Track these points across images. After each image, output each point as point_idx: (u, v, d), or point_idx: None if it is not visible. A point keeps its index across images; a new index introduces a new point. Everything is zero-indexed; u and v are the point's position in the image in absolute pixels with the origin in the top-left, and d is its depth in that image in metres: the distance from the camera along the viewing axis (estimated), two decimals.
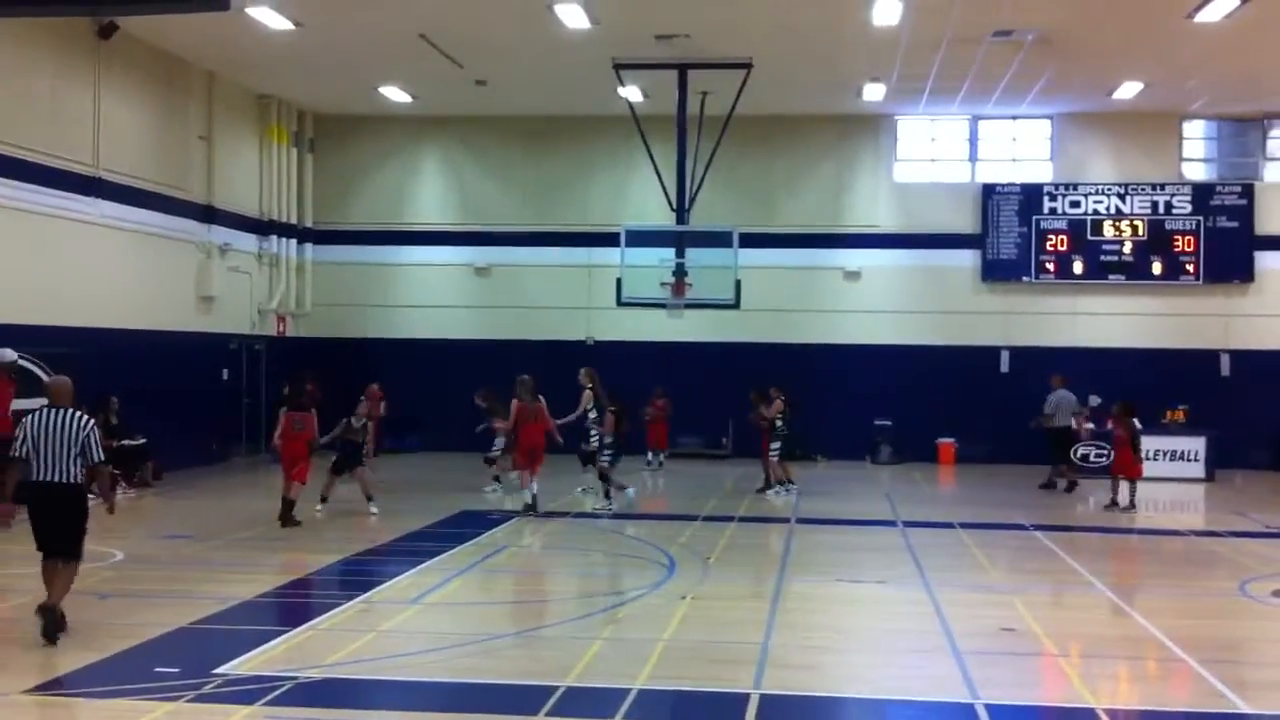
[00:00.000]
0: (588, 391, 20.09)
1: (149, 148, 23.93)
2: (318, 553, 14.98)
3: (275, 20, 21.44)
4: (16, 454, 10.41)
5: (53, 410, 10.49)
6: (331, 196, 30.45)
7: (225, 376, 26.74)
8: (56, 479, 10.38)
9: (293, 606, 12.06)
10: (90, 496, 10.80)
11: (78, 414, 10.55)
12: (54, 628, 10.25)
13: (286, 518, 17.25)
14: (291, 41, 22.82)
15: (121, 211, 22.82)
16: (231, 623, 11.33)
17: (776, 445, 21.89)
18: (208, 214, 25.93)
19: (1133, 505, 20.77)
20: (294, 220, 29.31)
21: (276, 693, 8.91)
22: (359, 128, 30.27)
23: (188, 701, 8.71)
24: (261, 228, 28.15)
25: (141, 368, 22.32)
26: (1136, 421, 21.29)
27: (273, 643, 10.38)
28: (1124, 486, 21.02)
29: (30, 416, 10.53)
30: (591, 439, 20.38)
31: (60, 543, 10.54)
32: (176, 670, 9.48)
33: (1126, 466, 21.09)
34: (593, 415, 20.10)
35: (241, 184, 27.39)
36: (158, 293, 24.08)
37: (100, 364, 20.05)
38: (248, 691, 8.92)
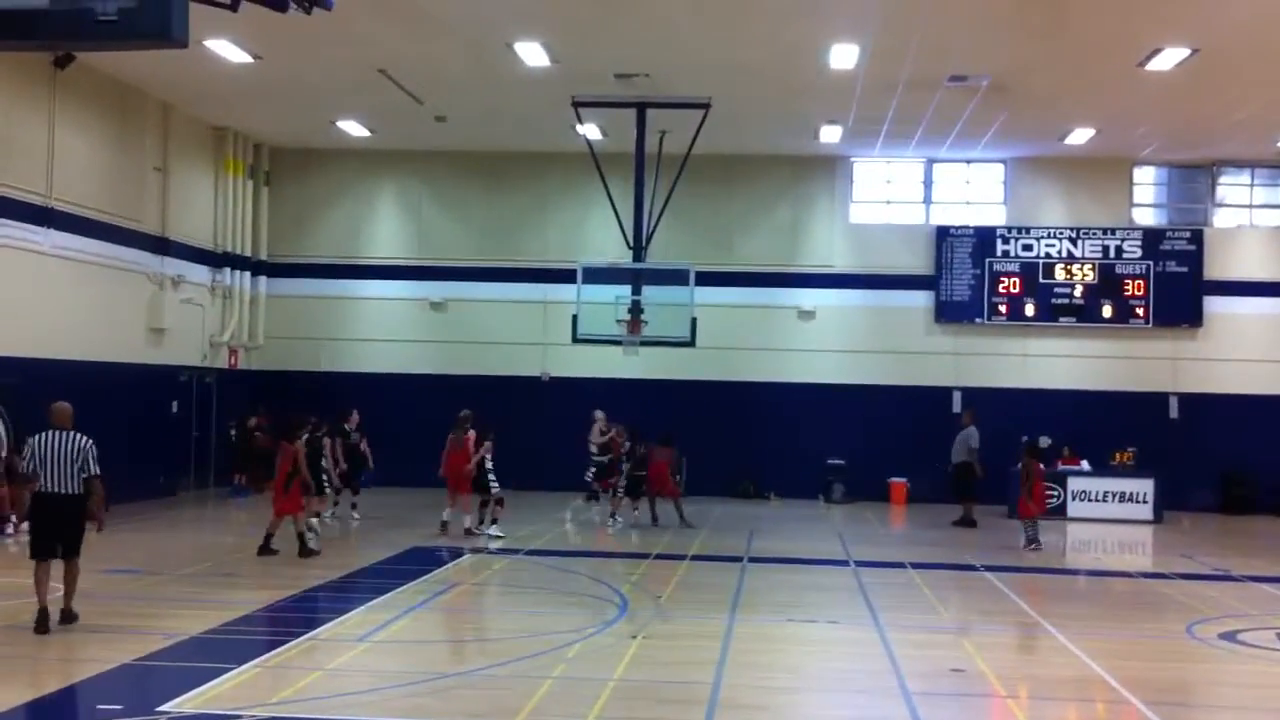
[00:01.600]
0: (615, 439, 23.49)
1: (103, 178, 23.77)
2: (266, 589, 14.82)
3: (233, 53, 21.41)
4: (25, 469, 12.29)
5: (57, 432, 12.30)
6: (287, 229, 30.32)
7: (175, 409, 26.48)
8: (61, 490, 12.19)
9: (239, 643, 11.91)
10: None
11: (77, 434, 12.31)
12: (64, 620, 12.16)
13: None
14: (249, 74, 22.78)
15: (73, 242, 22.65)
16: (177, 659, 11.17)
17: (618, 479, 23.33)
18: (161, 245, 25.77)
19: (1035, 542, 20.67)
20: (248, 252, 29.16)
21: None
22: (316, 161, 30.20)
23: None
24: (215, 260, 27.99)
25: (90, 399, 21.93)
26: (1041, 465, 21.56)
27: (218, 680, 10.24)
28: (1023, 525, 21.03)
29: (37, 437, 12.30)
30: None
31: (66, 544, 12.34)
32: (119, 708, 9.36)
33: (1023, 505, 21.02)
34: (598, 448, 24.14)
35: (196, 216, 27.24)
36: (108, 324, 23.86)
37: (48, 395, 19.75)
38: None
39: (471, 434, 20.63)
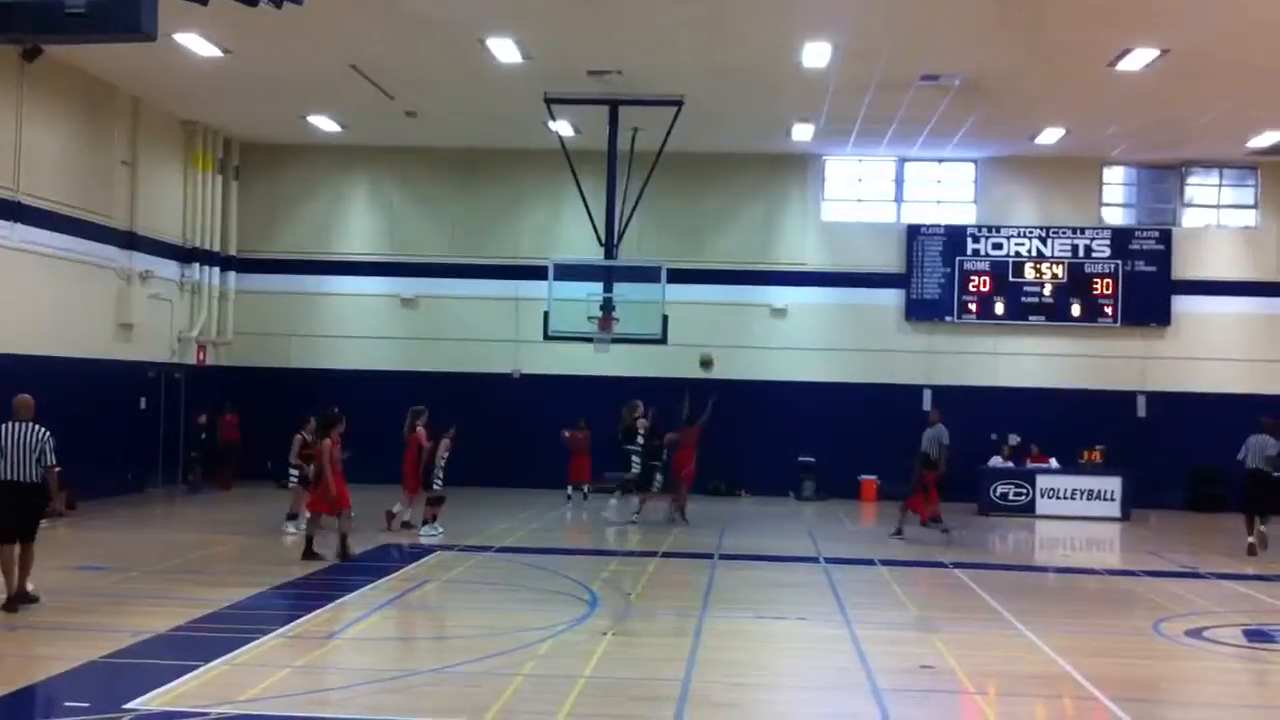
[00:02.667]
0: (644, 421, 23.27)
1: (71, 173, 23.60)
2: (235, 586, 14.73)
3: (203, 47, 21.29)
4: None
5: (18, 423, 12.96)
6: (257, 225, 30.16)
7: (143, 405, 26.31)
8: (22, 479, 12.86)
9: (208, 641, 11.83)
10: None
11: (37, 426, 12.98)
12: (21, 601, 12.72)
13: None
14: (219, 68, 22.66)
15: (41, 236, 22.46)
16: (144, 657, 11.10)
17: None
18: (130, 240, 25.60)
19: (900, 533, 21.80)
20: (217, 248, 28.99)
21: None
22: (286, 156, 30.06)
23: None
24: (184, 255, 27.83)
25: (57, 395, 21.85)
26: (932, 475, 22.13)
27: (186, 678, 10.17)
28: (910, 515, 22.00)
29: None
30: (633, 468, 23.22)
31: (23, 527, 12.92)
32: (86, 705, 9.29)
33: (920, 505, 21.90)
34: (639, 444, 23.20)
35: (165, 210, 27.06)
36: (76, 319, 23.69)
37: (16, 390, 19.61)
38: None
39: (420, 430, 20.42)
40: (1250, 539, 20.36)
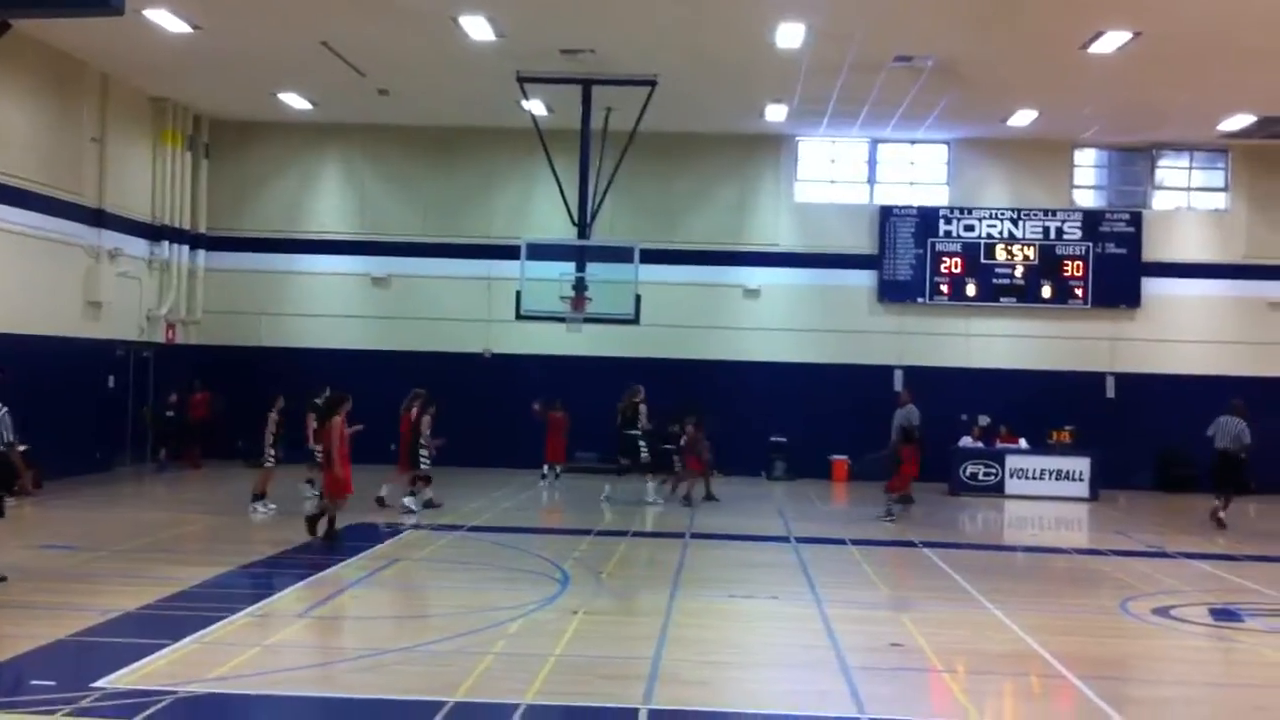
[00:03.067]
0: (644, 407, 23.11)
1: (39, 149, 23.38)
2: (204, 565, 14.67)
3: (172, 23, 21.09)
4: None
5: None
6: (227, 202, 29.96)
7: (111, 384, 26.14)
8: None
9: (177, 619, 11.77)
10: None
11: None
12: None
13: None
14: (188, 45, 22.45)
15: (8, 214, 22.26)
16: (112, 635, 11.05)
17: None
18: (98, 218, 25.40)
19: (890, 515, 21.81)
20: (187, 226, 28.79)
21: (156, 707, 8.71)
22: (257, 133, 29.85)
23: (64, 716, 8.48)
24: (153, 233, 27.62)
25: (25, 373, 21.70)
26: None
27: (154, 656, 10.14)
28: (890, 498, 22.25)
29: None
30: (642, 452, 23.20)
31: None
32: (53, 683, 9.25)
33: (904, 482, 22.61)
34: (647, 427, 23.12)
35: (134, 188, 26.85)
36: (44, 297, 23.50)
37: None
38: (127, 706, 8.72)
39: (413, 411, 20.83)
40: (1220, 512, 21.58)
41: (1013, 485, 26.69)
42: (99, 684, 9.23)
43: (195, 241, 29.24)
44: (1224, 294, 29.35)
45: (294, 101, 27.24)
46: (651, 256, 25.23)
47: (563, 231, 25.73)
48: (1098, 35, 20.51)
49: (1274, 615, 13.75)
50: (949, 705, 9.89)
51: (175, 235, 28.26)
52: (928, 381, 27.60)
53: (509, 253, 25.58)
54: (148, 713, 8.59)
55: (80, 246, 24.82)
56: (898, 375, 28.90)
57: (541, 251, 24.26)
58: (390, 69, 24.28)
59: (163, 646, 10.46)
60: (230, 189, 29.98)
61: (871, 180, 30.10)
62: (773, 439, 28.86)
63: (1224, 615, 13.79)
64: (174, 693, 9.09)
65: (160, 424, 27.38)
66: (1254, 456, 27.70)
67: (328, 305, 29.93)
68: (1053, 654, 11.31)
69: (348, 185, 30.25)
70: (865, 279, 29.64)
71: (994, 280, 29.32)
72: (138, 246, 27.00)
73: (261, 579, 14.18)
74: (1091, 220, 29.32)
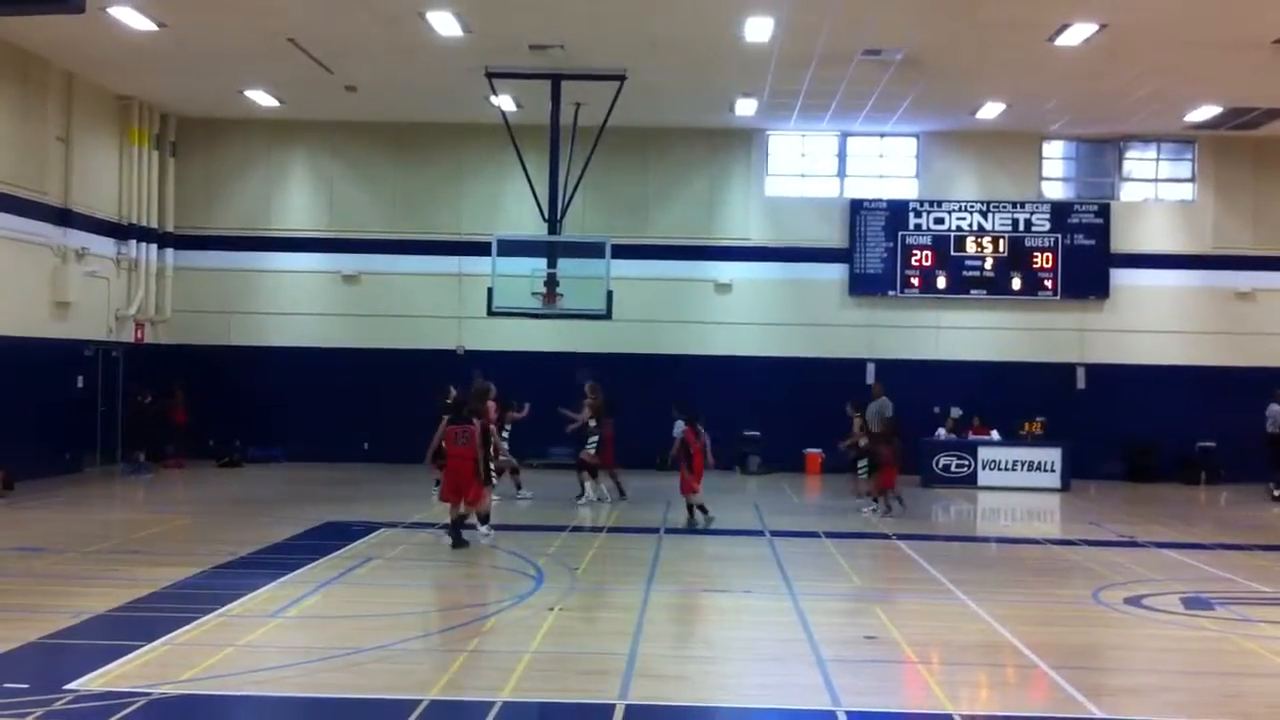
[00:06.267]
0: (589, 404, 22.15)
1: (4, 149, 23.20)
2: (176, 566, 14.57)
3: (137, 20, 20.94)
4: None
5: None
6: (194, 201, 29.76)
7: (80, 384, 25.94)
8: None
9: (148, 621, 11.69)
10: None
11: None
12: None
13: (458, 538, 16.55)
14: (154, 42, 22.29)
15: None
16: (84, 637, 10.99)
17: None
18: (64, 217, 25.20)
19: (889, 509, 21.45)
20: (154, 224, 28.59)
21: (129, 709, 8.66)
22: (224, 131, 29.67)
23: (37, 719, 8.41)
24: (120, 232, 27.42)
25: None
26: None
27: (126, 658, 10.08)
28: (890, 493, 21.56)
29: None
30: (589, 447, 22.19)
31: None
32: (25, 686, 9.18)
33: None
34: (592, 424, 22.09)
35: (100, 187, 26.65)
36: (10, 297, 23.30)
37: None
38: (100, 708, 8.66)
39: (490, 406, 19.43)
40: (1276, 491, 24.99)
41: (985, 477, 26.82)
42: (71, 686, 9.17)
43: (163, 240, 29.04)
44: (1192, 284, 29.54)
45: (261, 98, 27.09)
46: (622, 251, 25.20)
47: (533, 227, 25.69)
48: (1065, 27, 20.61)
49: (1245, 603, 13.85)
50: (924, 696, 9.91)
51: (143, 234, 28.06)
52: (899, 374, 27.71)
53: (480, 249, 25.52)
54: (121, 715, 8.53)
55: (47, 246, 24.63)
56: (869, 368, 29.00)
57: (512, 247, 24.22)
58: (358, 65, 24.16)
59: (135, 648, 10.40)
60: (198, 187, 29.79)
61: (841, 174, 30.15)
62: (745, 433, 28.89)
63: (1196, 604, 13.88)
64: (147, 694, 9.04)
65: (143, 424, 27.17)
66: (1224, 445, 28.16)
67: (298, 303, 29.78)
68: (1026, 644, 11.37)
69: (316, 182, 30.10)
70: (836, 272, 29.71)
71: (964, 272, 29.42)
72: (105, 246, 26.80)
73: (234, 579, 14.07)
74: (1060, 212, 29.47)
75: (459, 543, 16.42)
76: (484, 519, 17.21)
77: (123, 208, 27.50)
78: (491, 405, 18.95)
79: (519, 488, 22.43)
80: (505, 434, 21.66)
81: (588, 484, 22.34)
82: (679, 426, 21.26)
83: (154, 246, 28.60)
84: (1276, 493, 25.10)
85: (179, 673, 9.71)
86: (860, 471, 22.70)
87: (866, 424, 22.87)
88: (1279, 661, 11.01)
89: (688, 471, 19.79)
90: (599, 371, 25.29)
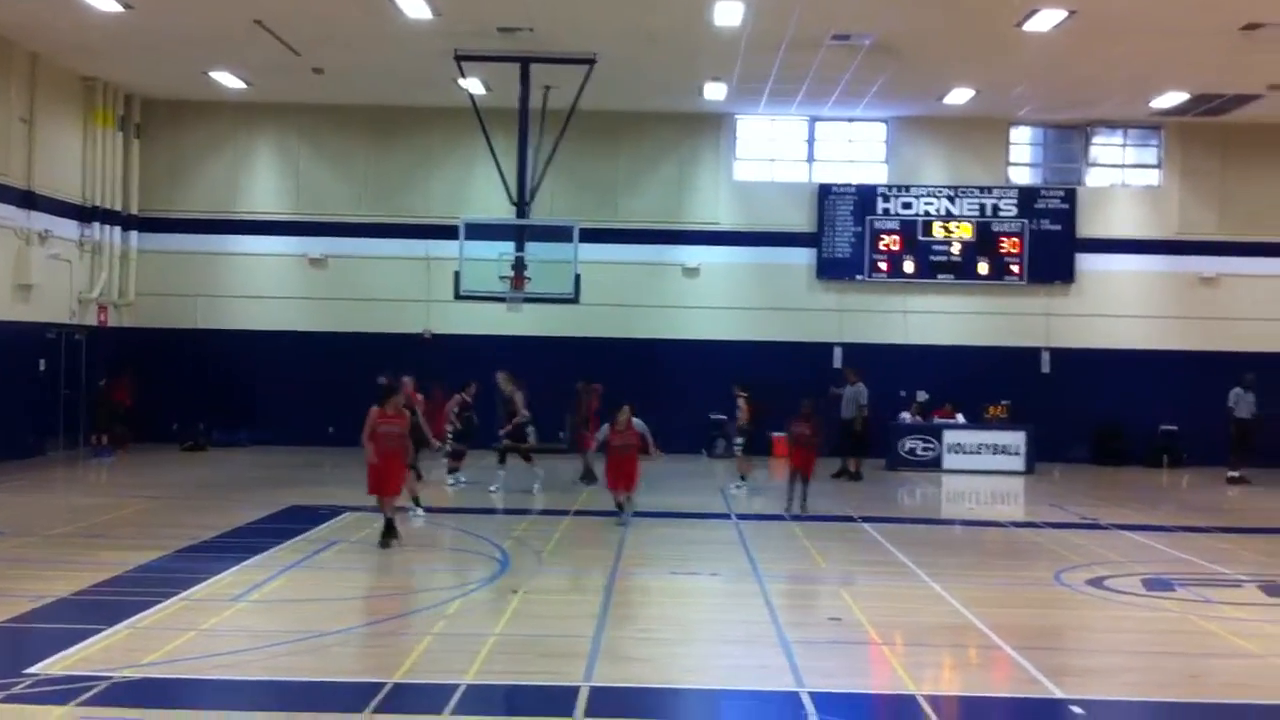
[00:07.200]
0: (519, 394, 21.42)
1: None
2: (139, 550, 14.48)
3: (102, 1, 20.72)
4: None
5: None
6: (159, 183, 29.52)
7: (42, 367, 25.73)
8: None
9: (111, 604, 11.62)
10: None
11: None
12: None
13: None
14: (119, 23, 22.06)
15: None
16: (46, 621, 10.92)
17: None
18: (27, 199, 24.95)
19: (802, 505, 19.33)
20: (119, 207, 28.34)
21: (91, 693, 8.61)
22: (189, 113, 29.42)
23: None
24: (84, 214, 27.18)
25: None
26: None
27: (88, 641, 10.03)
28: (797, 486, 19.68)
29: None
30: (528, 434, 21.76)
31: None
32: None
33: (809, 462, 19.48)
34: (525, 414, 21.41)
35: (64, 169, 26.40)
36: None
37: None
38: (61, 692, 8.61)
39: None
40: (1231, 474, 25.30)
41: (950, 460, 26.97)
42: (33, 670, 9.12)
43: (127, 223, 28.80)
44: (1157, 269, 29.73)
45: (227, 80, 26.87)
46: (591, 235, 25.15)
47: (501, 211, 25.60)
48: (1033, 13, 20.64)
49: (1206, 585, 13.97)
50: (888, 678, 9.97)
51: (107, 216, 27.82)
52: (867, 358, 27.78)
53: (448, 232, 25.41)
54: (83, 698, 8.49)
55: (9, 228, 24.38)
56: (837, 352, 29.07)
57: (480, 231, 24.14)
58: (325, 47, 23.98)
59: (98, 632, 10.34)
60: (163, 169, 29.55)
61: (810, 158, 30.17)
62: (713, 417, 28.90)
63: (1157, 585, 14.00)
64: (109, 678, 8.99)
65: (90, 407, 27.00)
66: (1187, 429, 28.53)
67: (264, 286, 29.60)
68: (989, 625, 11.44)
69: (283, 165, 29.90)
70: (804, 257, 29.76)
71: (931, 257, 29.52)
72: (68, 228, 26.56)
73: (197, 563, 13.98)
74: (1027, 197, 29.59)
75: (391, 538, 15.31)
76: (416, 500, 17.48)
77: (86, 190, 27.25)
78: (417, 397, 19.94)
79: (451, 471, 21.95)
80: (452, 422, 21.42)
81: (521, 465, 21.65)
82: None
83: (118, 229, 28.37)
84: (1231, 474, 25.32)
85: (141, 656, 9.66)
86: (736, 450, 23.02)
87: (752, 404, 22.81)
88: (1239, 642, 11.11)
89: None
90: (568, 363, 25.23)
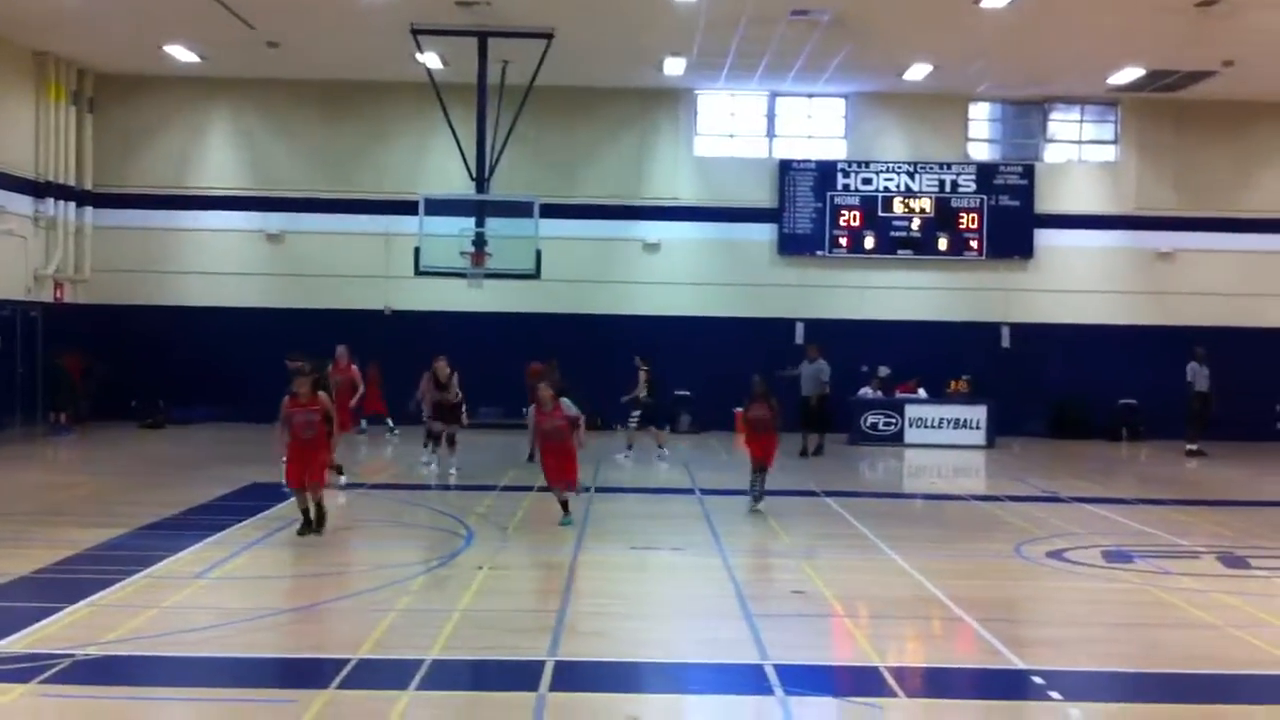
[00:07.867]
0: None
1: None
2: (99, 527, 14.34)
3: None
4: None
5: None
6: (113, 158, 29.17)
7: None
8: None
9: (72, 582, 11.51)
10: None
11: None
12: None
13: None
14: None
15: None
16: (7, 600, 10.82)
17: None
18: None
19: (759, 494, 17.08)
20: (73, 182, 27.99)
21: (53, 670, 8.55)
22: (143, 87, 29.06)
23: None
24: (38, 190, 26.83)
25: None
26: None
27: (50, 619, 9.95)
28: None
29: None
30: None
31: None
32: None
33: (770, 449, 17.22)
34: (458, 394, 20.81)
35: (16, 144, 26.04)
36: None
37: None
38: (22, 670, 8.55)
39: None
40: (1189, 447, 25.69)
41: (912, 434, 27.11)
42: None
43: (82, 198, 28.44)
44: (1114, 245, 29.97)
45: (181, 54, 26.53)
46: (551, 211, 25.09)
47: (461, 186, 25.45)
48: None
49: (1164, 556, 14.13)
50: (851, 650, 10.04)
51: (61, 192, 27.47)
52: (828, 333, 27.86)
53: (407, 208, 25.26)
54: (44, 676, 8.42)
55: None
56: (799, 327, 29.13)
57: (440, 206, 24.01)
58: (280, 21, 23.73)
59: (59, 609, 10.26)
60: (117, 144, 29.19)
61: (770, 134, 30.18)
62: (676, 393, 28.93)
63: (1115, 557, 14.14)
64: (71, 656, 8.92)
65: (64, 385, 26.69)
66: (1145, 402, 28.88)
67: (221, 263, 29.33)
68: (951, 598, 11.52)
69: (239, 140, 29.61)
70: (765, 232, 29.78)
71: (891, 233, 29.62)
72: (22, 204, 26.22)
73: (158, 540, 13.85)
74: (986, 173, 29.72)
75: (310, 529, 14.24)
76: (338, 470, 17.48)
77: (40, 165, 26.88)
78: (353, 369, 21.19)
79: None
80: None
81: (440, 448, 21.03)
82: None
83: (72, 205, 28.01)
84: (1189, 448, 25.62)
85: (103, 634, 9.58)
86: (631, 423, 23.52)
87: (650, 377, 23.30)
88: (1197, 613, 11.24)
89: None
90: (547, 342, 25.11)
